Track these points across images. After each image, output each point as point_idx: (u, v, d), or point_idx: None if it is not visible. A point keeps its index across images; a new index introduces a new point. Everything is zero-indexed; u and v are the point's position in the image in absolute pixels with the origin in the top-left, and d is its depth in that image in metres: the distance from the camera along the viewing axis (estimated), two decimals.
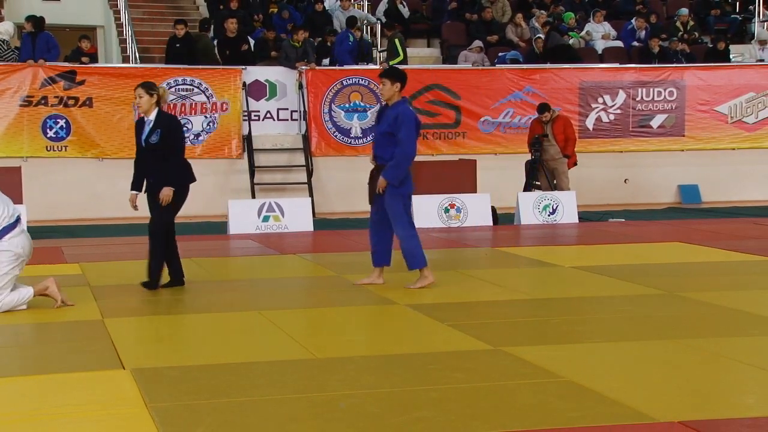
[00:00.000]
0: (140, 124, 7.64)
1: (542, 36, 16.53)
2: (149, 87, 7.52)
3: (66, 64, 14.21)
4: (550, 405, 4.35)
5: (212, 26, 15.76)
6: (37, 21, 14.36)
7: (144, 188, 7.64)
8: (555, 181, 13.26)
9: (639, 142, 16.12)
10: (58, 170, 14.13)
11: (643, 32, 17.43)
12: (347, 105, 15.07)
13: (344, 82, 15.06)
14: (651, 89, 16.11)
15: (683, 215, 13.99)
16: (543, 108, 13.32)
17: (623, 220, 13.30)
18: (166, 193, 7.44)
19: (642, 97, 16.08)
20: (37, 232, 11.88)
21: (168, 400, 4.46)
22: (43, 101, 13.97)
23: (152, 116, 7.47)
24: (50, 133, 14.01)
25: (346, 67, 15.16)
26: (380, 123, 7.51)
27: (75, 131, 14.05)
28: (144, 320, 6.47)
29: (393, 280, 8.39)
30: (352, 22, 15.68)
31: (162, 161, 7.45)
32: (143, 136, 7.51)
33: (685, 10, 18.63)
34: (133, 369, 5.03)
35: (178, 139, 7.56)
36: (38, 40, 14.16)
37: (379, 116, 7.59)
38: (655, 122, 16.14)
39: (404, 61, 15.41)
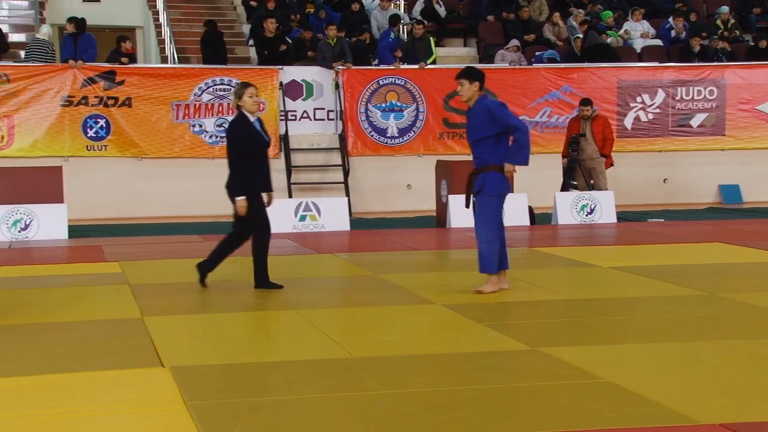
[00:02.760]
0: (245, 125, 7.37)
1: (580, 35, 16.41)
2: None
3: (106, 64, 14.37)
4: (588, 406, 4.32)
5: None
6: (78, 22, 14.53)
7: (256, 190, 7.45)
8: (592, 181, 13.16)
9: (678, 141, 15.96)
10: (98, 169, 14.29)
11: (683, 33, 17.23)
12: (384, 105, 15.08)
13: (380, 82, 15.07)
14: (691, 88, 15.93)
15: (724, 215, 13.82)
16: (587, 101, 13.24)
17: (662, 220, 13.17)
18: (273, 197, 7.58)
19: (681, 96, 15.90)
20: (77, 230, 12.07)
21: (206, 398, 4.49)
22: (83, 101, 14.14)
23: (255, 117, 7.45)
24: (90, 133, 14.17)
25: (382, 66, 15.18)
26: (470, 128, 7.24)
27: (115, 131, 14.21)
28: (183, 319, 6.53)
29: (430, 279, 8.37)
30: (395, 20, 15.72)
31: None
32: (264, 135, 7.38)
33: (725, 8, 18.40)
34: (172, 367, 5.07)
35: None
36: (79, 41, 14.33)
37: (468, 122, 7.31)
38: (695, 121, 15.95)
39: (434, 61, 15.42)
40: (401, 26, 16.70)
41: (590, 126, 13.12)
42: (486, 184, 7.13)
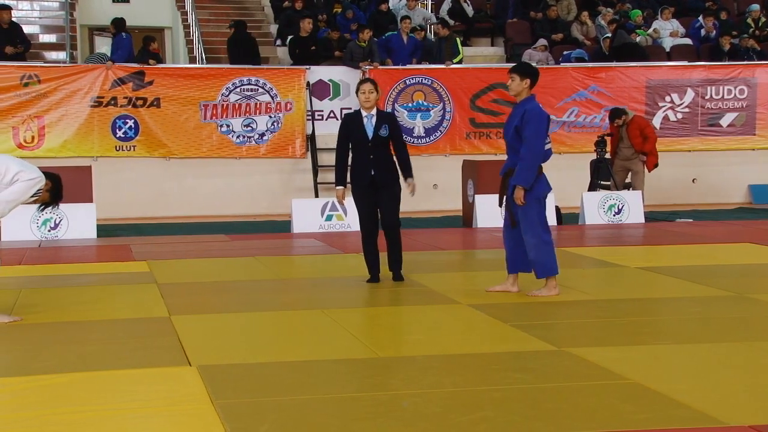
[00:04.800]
0: (352, 119, 7.70)
1: (610, 35, 16.29)
2: (376, 84, 7.70)
3: (135, 65, 14.47)
4: (615, 407, 4.29)
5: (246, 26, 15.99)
6: (116, 23, 14.76)
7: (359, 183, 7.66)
8: (628, 180, 13.10)
9: (708, 141, 15.82)
10: (127, 169, 14.41)
11: (713, 32, 17.08)
12: (410, 104, 15.07)
13: (407, 82, 15.06)
14: (721, 87, 15.78)
15: (754, 215, 13.69)
16: (614, 115, 13.06)
17: (691, 220, 13.07)
18: (414, 184, 7.72)
19: (711, 96, 15.77)
20: (106, 230, 12.17)
21: (233, 396, 4.51)
22: (112, 102, 14.25)
23: (373, 112, 7.61)
24: (119, 133, 14.28)
25: (409, 66, 15.18)
26: (508, 126, 7.07)
27: (143, 131, 14.31)
28: (210, 318, 6.56)
29: (456, 279, 8.36)
30: (403, 20, 15.80)
31: (387, 155, 7.64)
32: (369, 130, 7.56)
33: (756, 6, 18.22)
34: (200, 366, 5.09)
35: (401, 132, 7.84)
36: (114, 41, 14.49)
37: (508, 119, 7.19)
38: (725, 121, 15.81)
39: (460, 61, 15.40)
40: (429, 26, 16.70)
41: (626, 130, 13.04)
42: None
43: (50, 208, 6.61)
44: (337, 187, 7.78)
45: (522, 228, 7.04)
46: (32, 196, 6.33)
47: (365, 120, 7.61)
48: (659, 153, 15.27)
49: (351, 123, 7.71)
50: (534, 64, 15.71)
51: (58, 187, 6.52)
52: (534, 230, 6.98)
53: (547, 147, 7.02)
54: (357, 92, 7.73)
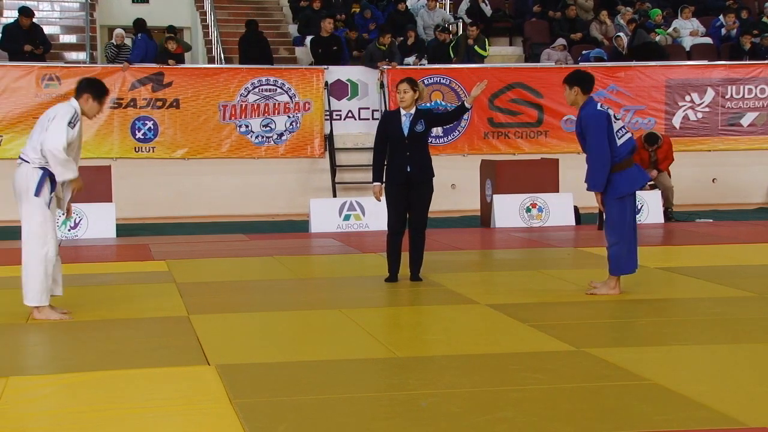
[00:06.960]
0: (390, 117, 7.83)
1: (621, 35, 16.20)
2: (414, 83, 7.75)
3: (153, 65, 14.51)
4: (634, 408, 4.27)
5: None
6: (137, 24, 14.88)
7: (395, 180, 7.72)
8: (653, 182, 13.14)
9: (728, 140, 15.72)
10: (146, 169, 14.46)
11: (734, 31, 16.97)
12: (429, 104, 15.03)
13: (425, 81, 15.03)
14: (741, 86, 15.67)
15: None
16: (653, 141, 12.83)
17: (711, 220, 13.00)
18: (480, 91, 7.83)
19: (732, 95, 15.66)
20: (125, 229, 12.23)
21: (251, 396, 4.52)
22: (132, 103, 14.31)
23: (412, 110, 7.69)
24: (139, 135, 14.34)
25: (428, 66, 15.17)
26: (577, 131, 7.16)
27: (162, 132, 14.36)
28: (229, 317, 6.58)
29: (474, 279, 8.35)
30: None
31: (424, 152, 7.71)
32: (405, 128, 7.64)
33: None
34: (218, 365, 5.11)
35: (440, 113, 7.88)
36: (134, 42, 14.58)
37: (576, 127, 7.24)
38: (746, 120, 15.71)
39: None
40: (448, 26, 16.67)
41: (656, 154, 13.01)
42: (606, 189, 6.97)
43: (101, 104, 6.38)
44: (374, 184, 7.84)
45: (605, 225, 7.14)
46: (71, 124, 6.19)
47: (403, 118, 7.69)
48: (679, 152, 15.25)
49: (389, 121, 7.81)
50: (553, 64, 15.81)
51: (95, 86, 6.41)
52: (614, 230, 7.02)
53: (623, 140, 6.95)
54: (398, 91, 7.81)
